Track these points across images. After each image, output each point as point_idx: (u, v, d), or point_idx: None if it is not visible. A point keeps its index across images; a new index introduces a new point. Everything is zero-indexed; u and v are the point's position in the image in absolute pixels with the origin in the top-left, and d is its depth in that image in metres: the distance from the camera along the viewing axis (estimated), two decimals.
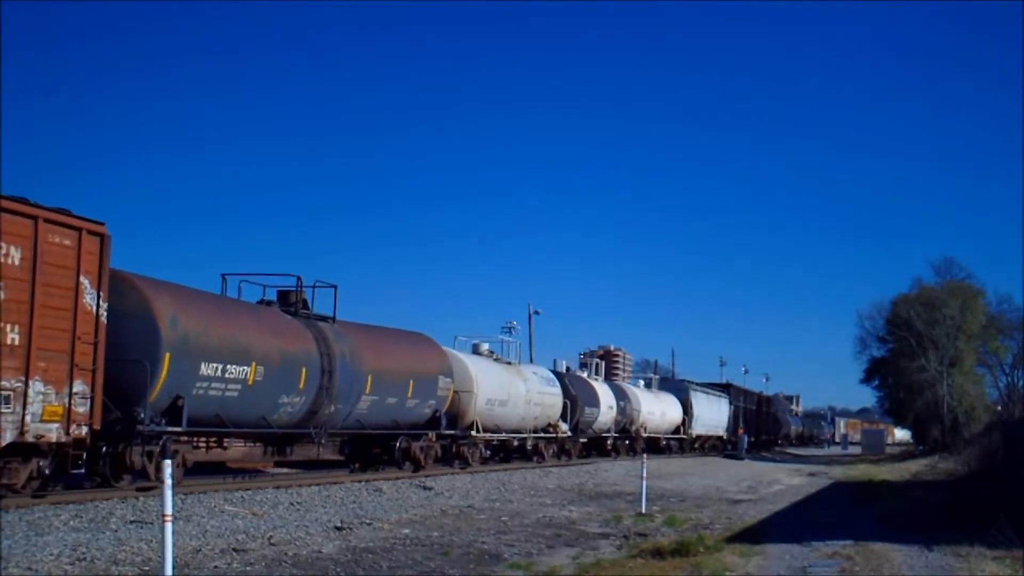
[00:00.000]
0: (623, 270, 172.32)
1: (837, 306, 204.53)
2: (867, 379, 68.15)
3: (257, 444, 23.14)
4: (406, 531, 14.70)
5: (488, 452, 31.51)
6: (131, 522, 13.40)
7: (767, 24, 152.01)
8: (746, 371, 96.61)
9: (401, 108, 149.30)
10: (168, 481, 8.94)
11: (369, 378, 21.98)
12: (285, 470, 24.80)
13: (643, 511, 19.50)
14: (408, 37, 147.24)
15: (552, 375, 35.51)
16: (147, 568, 10.48)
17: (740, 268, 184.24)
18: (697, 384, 59.14)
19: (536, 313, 61.45)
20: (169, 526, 8.91)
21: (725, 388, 65.52)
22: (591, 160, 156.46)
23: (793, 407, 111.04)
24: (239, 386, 17.70)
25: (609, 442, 41.65)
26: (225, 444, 21.42)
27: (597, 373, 44.29)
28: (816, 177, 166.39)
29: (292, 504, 16.84)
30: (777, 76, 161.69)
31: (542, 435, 33.55)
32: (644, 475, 20.49)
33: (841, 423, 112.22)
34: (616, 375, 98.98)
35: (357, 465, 24.36)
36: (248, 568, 11.01)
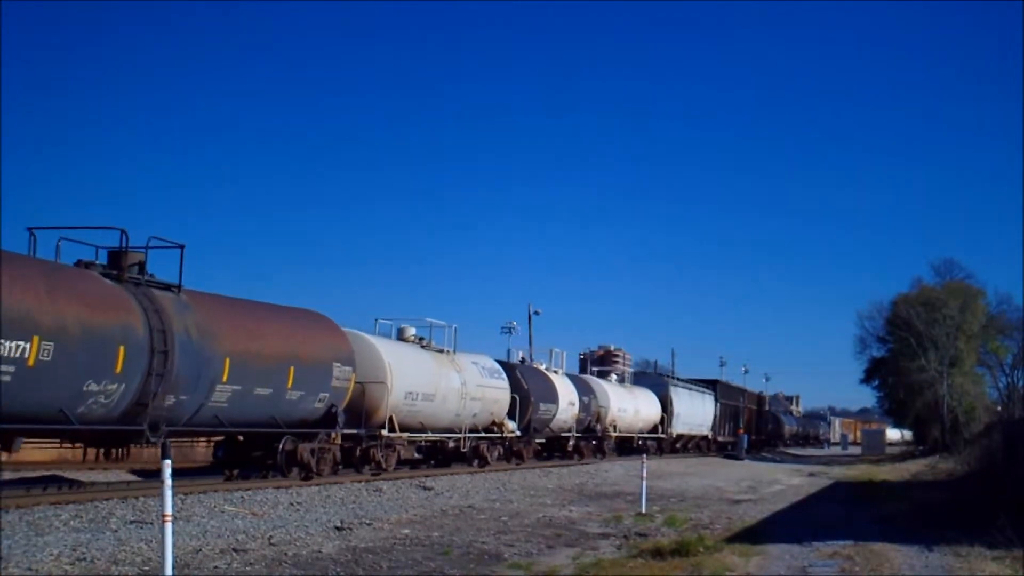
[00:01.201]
0: (623, 270, 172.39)
1: (837, 306, 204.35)
2: (867, 379, 68.20)
3: (77, 445, 19.62)
4: (406, 531, 14.70)
5: (419, 456, 28.41)
6: (131, 522, 13.40)
7: (765, 23, 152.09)
8: (746, 371, 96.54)
9: (400, 108, 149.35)
10: (168, 481, 8.94)
11: (227, 362, 17.57)
12: (131, 479, 21.10)
13: (643, 511, 19.50)
14: (407, 35, 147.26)
15: (498, 366, 30.91)
16: (147, 568, 10.48)
17: (740, 268, 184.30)
18: (679, 379, 55.76)
19: (536, 313, 61.45)
20: (169, 526, 8.91)
21: (711, 384, 61.02)
22: (591, 160, 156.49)
23: (793, 407, 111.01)
24: (13, 367, 13.26)
25: (571, 443, 37.13)
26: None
27: (558, 364, 38.61)
28: (816, 177, 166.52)
29: (292, 504, 16.84)
30: (777, 76, 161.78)
31: (484, 435, 29.26)
32: (644, 475, 20.49)
33: (836, 423, 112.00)
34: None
35: (235, 472, 20.30)
36: (248, 568, 11.01)
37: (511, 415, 30.69)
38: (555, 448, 37.26)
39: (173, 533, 9.07)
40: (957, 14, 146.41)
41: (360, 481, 21.46)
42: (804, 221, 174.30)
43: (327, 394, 20.77)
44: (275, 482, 19.76)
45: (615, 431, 41.56)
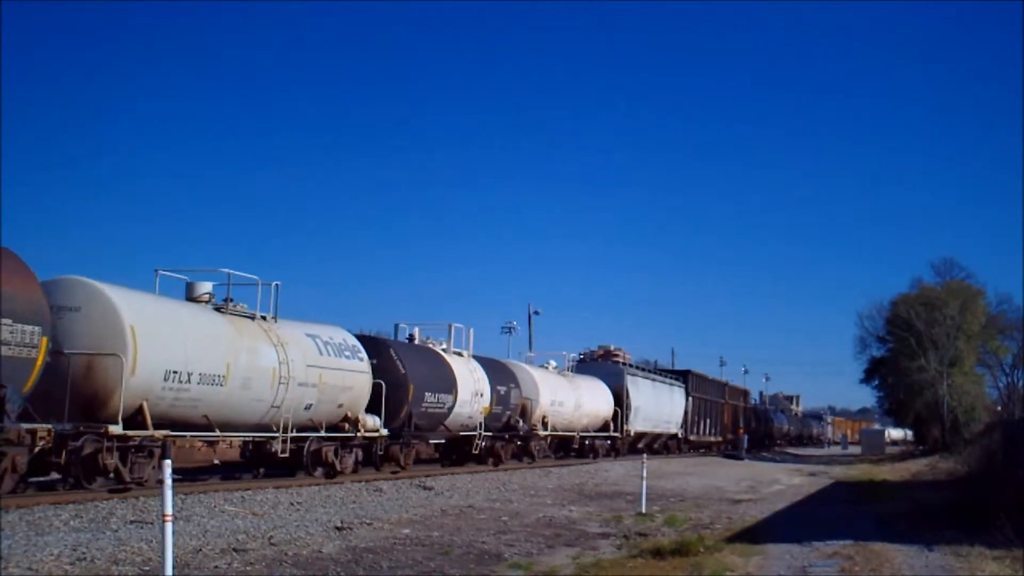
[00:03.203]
0: (624, 270, 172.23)
1: (837, 306, 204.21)
2: (867, 379, 68.12)
3: None
4: (406, 531, 14.70)
5: (217, 462, 23.43)
6: (131, 522, 13.41)
7: (764, 21, 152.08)
8: (746, 371, 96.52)
9: (400, 107, 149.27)
10: (168, 481, 8.94)
11: None
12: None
13: (643, 511, 19.51)
14: (405, 30, 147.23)
15: (355, 341, 23.11)
16: (147, 568, 10.48)
17: (740, 268, 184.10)
18: (639, 368, 48.01)
19: (536, 313, 61.35)
20: (169, 526, 8.91)
21: (681, 376, 54.47)
22: (591, 160, 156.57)
23: (793, 407, 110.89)
24: None
25: (478, 444, 29.17)
26: None
27: (462, 343, 29.86)
28: (816, 177, 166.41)
29: (292, 504, 16.85)
30: (776, 75, 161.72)
31: (328, 435, 21.67)
32: (644, 475, 20.50)
33: (830, 422, 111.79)
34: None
35: None
36: (248, 568, 11.01)
37: (375, 409, 23.16)
38: (458, 451, 29.52)
39: (173, 533, 9.07)
40: (957, 16, 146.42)
41: (360, 481, 21.46)
42: (804, 221, 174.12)
43: None
44: (275, 482, 19.81)
45: (548, 429, 34.21)
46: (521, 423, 32.16)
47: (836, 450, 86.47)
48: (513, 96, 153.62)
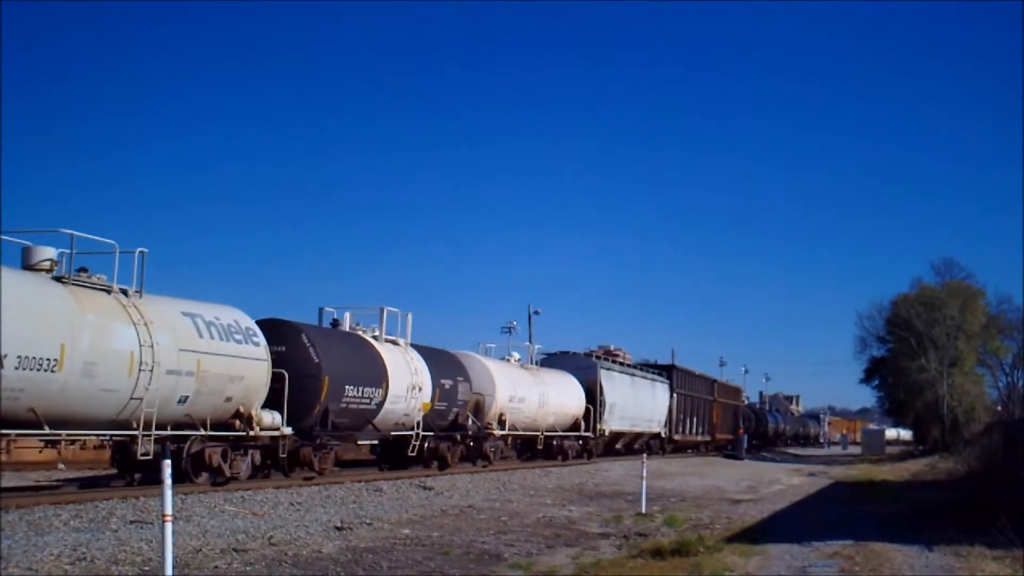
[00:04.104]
0: (624, 270, 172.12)
1: (837, 306, 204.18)
2: (867, 379, 68.24)
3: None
4: (406, 531, 14.71)
5: (63, 466, 21.14)
6: (131, 522, 13.41)
7: (765, 19, 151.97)
8: (746, 371, 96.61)
9: (398, 106, 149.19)
10: (168, 481, 8.94)
11: None
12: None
13: (643, 511, 19.51)
14: (404, 30, 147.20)
15: (251, 324, 19.67)
16: (147, 568, 10.49)
17: (741, 268, 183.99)
18: (615, 363, 43.78)
19: (536, 313, 61.28)
20: (169, 526, 8.91)
21: (665, 371, 50.21)
22: (592, 160, 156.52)
23: (793, 407, 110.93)
24: None
25: (415, 446, 25.27)
26: None
27: (396, 330, 25.86)
28: (816, 177, 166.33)
29: (292, 504, 16.85)
30: (778, 77, 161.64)
31: (211, 434, 18.27)
32: (644, 475, 20.50)
33: (826, 422, 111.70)
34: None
35: None
36: (248, 568, 11.01)
37: (276, 404, 19.86)
38: (396, 454, 25.75)
39: (173, 533, 9.07)
40: (957, 16, 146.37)
41: (361, 481, 21.46)
42: (804, 221, 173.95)
43: None
44: (274, 482, 19.82)
45: (506, 428, 30.57)
46: (471, 421, 28.53)
47: (836, 450, 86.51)
48: (512, 94, 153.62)
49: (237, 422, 18.92)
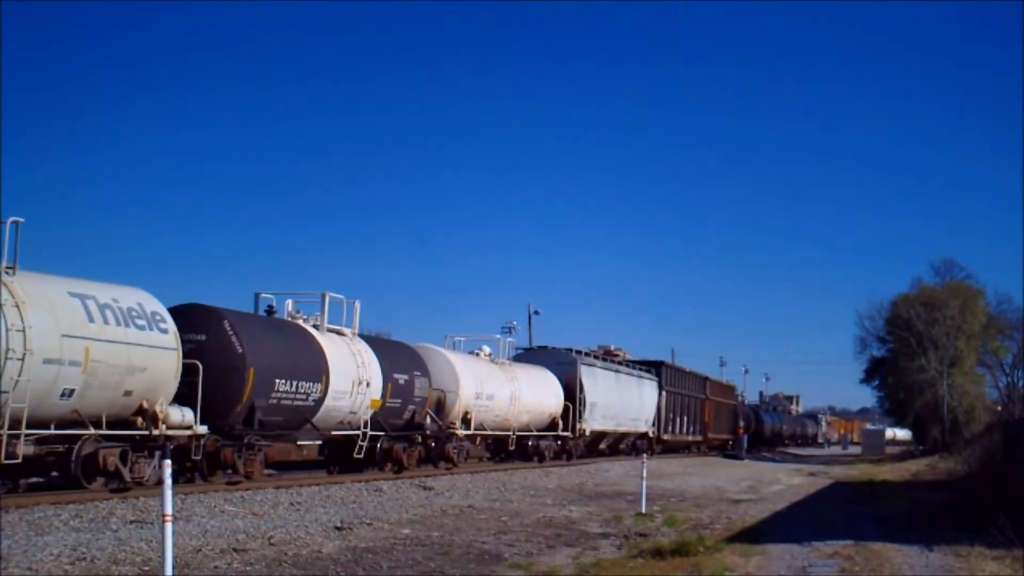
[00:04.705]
0: (624, 270, 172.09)
1: (837, 306, 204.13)
2: (867, 379, 68.19)
3: None
4: (406, 531, 14.71)
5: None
6: (131, 522, 13.42)
7: (764, 17, 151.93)
8: (746, 371, 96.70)
9: (397, 105, 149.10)
10: (168, 481, 8.95)
11: None
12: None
13: (643, 511, 19.51)
14: (402, 27, 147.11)
15: (157, 308, 17.19)
16: (147, 568, 10.49)
17: (740, 268, 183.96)
18: (597, 357, 40.82)
19: (536, 313, 61.29)
20: (169, 526, 8.91)
21: (654, 367, 47.63)
22: (592, 160, 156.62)
23: (793, 407, 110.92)
24: None
25: (362, 446, 22.76)
26: None
27: (340, 319, 23.26)
28: (816, 177, 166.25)
29: (292, 504, 16.86)
30: (777, 74, 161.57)
31: (106, 433, 15.88)
32: (644, 475, 20.50)
33: (823, 422, 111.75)
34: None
35: None
36: (248, 568, 11.02)
37: (189, 400, 17.61)
38: (347, 455, 23.08)
39: (173, 533, 9.07)
40: (957, 16, 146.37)
41: (361, 481, 21.46)
42: (804, 221, 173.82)
43: None
44: (275, 482, 19.82)
45: (471, 427, 28.18)
46: (430, 420, 26.00)
47: (836, 450, 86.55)
48: (512, 92, 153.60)
49: (139, 420, 16.56)
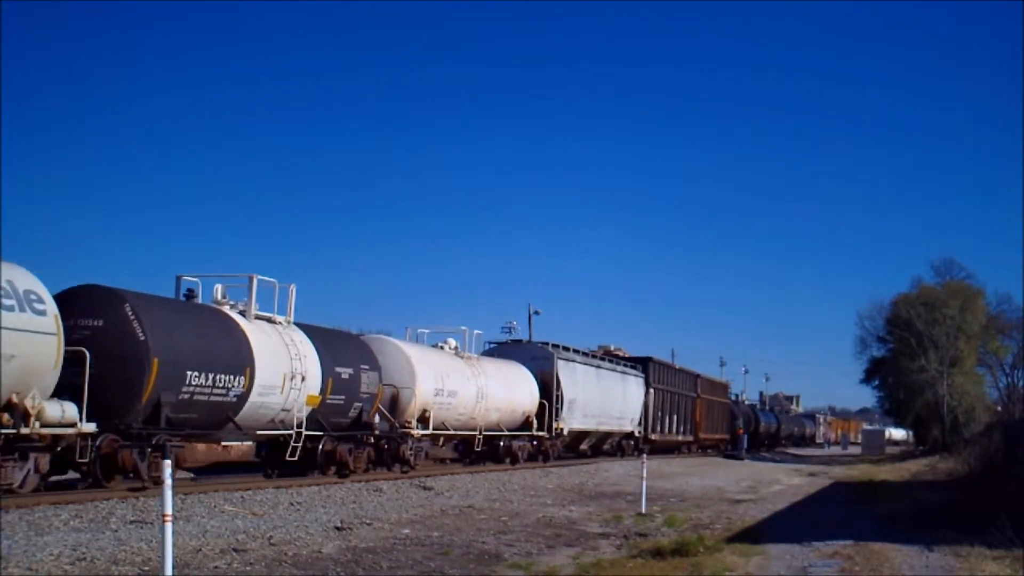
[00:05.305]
0: (624, 270, 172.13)
1: (837, 306, 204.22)
2: (867, 379, 68.26)
3: None
4: (406, 531, 14.71)
5: None
6: (131, 522, 13.42)
7: (762, 17, 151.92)
8: (746, 371, 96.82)
9: (395, 103, 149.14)
10: (168, 481, 8.95)
11: None
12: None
13: (643, 511, 19.52)
14: (402, 27, 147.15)
15: (33, 285, 14.81)
16: (147, 568, 10.49)
17: (741, 268, 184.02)
18: (576, 352, 37.63)
19: (536, 313, 61.24)
20: (169, 526, 8.91)
21: (641, 364, 45.21)
22: (593, 160, 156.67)
23: (793, 407, 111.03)
24: None
25: (295, 448, 20.26)
26: None
27: (272, 305, 20.74)
28: (816, 177, 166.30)
29: (292, 504, 16.86)
30: (776, 73, 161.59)
31: None
32: (644, 475, 20.51)
33: (821, 421, 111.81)
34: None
35: None
36: (248, 568, 11.02)
37: (72, 393, 15.36)
38: (281, 458, 20.71)
39: (173, 533, 9.08)
40: (957, 12, 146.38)
41: (360, 481, 21.46)
42: (804, 221, 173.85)
43: None
44: (275, 482, 19.80)
45: (429, 426, 25.72)
46: (379, 419, 23.78)
47: (836, 450, 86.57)
48: (512, 92, 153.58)
49: (5, 416, 14.28)
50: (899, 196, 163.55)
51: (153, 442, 16.57)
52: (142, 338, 16.47)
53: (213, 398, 18.02)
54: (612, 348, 46.22)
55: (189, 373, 17.33)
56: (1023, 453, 23.18)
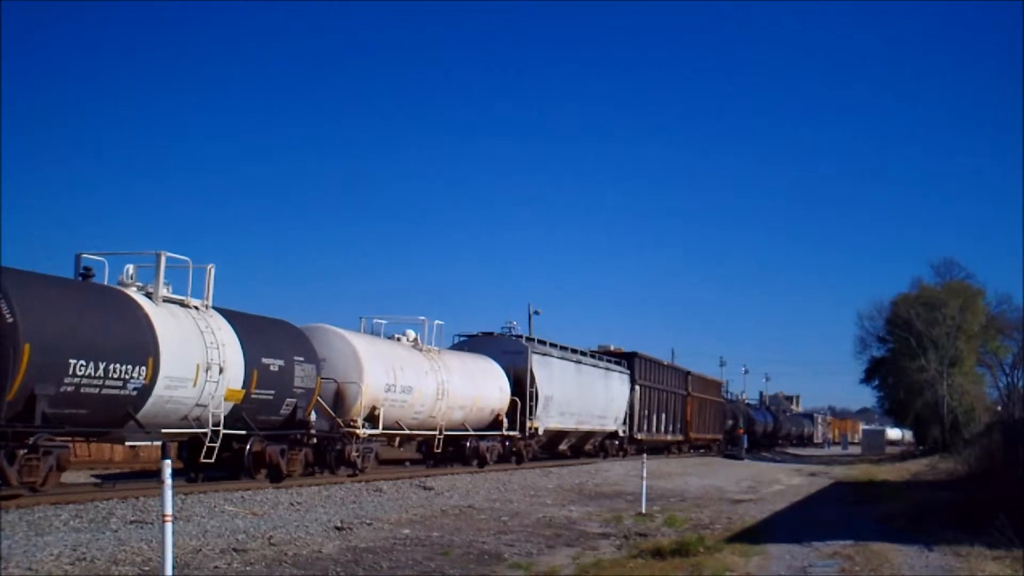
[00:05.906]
0: (624, 271, 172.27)
1: (837, 306, 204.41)
2: (867, 379, 68.29)
3: None
4: (406, 531, 14.71)
5: None
6: (131, 522, 13.42)
7: (763, 18, 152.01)
8: (746, 371, 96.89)
9: (398, 105, 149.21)
10: (168, 481, 8.94)
11: None
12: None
13: (643, 511, 19.52)
14: (402, 27, 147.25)
15: None
16: (147, 568, 10.49)
17: (741, 269, 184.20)
18: (554, 346, 34.83)
19: (536, 313, 61.21)
20: (169, 526, 8.91)
21: (626, 359, 42.64)
22: (593, 160, 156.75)
23: (793, 407, 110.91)
24: None
25: (211, 448, 17.93)
26: None
27: (188, 291, 18.18)
28: (816, 177, 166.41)
29: (292, 504, 16.86)
30: (775, 75, 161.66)
31: None
32: (644, 475, 20.51)
33: (820, 421, 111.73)
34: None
35: None
36: (248, 568, 11.01)
37: None
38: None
39: (173, 533, 9.07)
40: (958, 12, 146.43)
41: (360, 481, 21.45)
42: (805, 221, 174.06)
43: None
44: (275, 482, 19.80)
45: (379, 425, 23.29)
46: (317, 417, 21.49)
47: (836, 450, 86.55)
48: (513, 93, 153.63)
49: None
50: (899, 196, 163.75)
51: (28, 442, 14.41)
52: (10, 320, 14.03)
53: (106, 391, 15.50)
54: (612, 348, 45.91)
55: (73, 362, 14.86)
56: (1023, 453, 23.15)
